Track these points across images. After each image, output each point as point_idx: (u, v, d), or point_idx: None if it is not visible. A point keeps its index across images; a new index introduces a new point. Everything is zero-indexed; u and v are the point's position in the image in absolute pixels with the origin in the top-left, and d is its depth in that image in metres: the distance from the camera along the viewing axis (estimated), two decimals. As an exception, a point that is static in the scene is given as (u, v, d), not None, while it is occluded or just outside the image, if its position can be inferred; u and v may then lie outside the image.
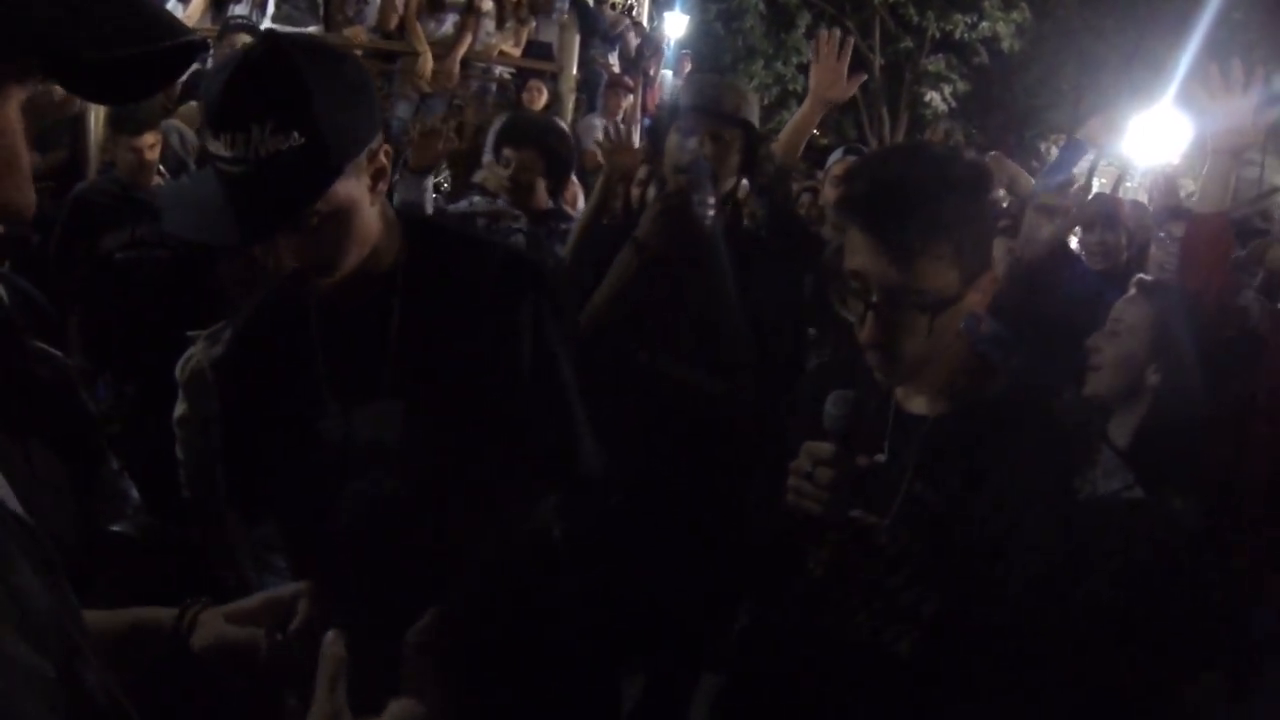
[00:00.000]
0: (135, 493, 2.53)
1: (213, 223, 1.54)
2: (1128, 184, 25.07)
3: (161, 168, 4.55)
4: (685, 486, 2.62)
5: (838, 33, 3.03)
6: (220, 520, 2.64)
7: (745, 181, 2.99)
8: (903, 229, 1.56)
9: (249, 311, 2.02)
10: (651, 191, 3.03)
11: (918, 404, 1.78)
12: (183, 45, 0.71)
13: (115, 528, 1.12)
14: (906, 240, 1.57)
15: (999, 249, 3.32)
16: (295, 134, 1.51)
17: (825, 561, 1.68)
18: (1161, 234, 4.36)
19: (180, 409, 2.80)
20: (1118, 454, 2.46)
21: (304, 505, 1.86)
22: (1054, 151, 24.61)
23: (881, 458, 1.73)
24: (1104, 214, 4.72)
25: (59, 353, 2.21)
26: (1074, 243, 6.78)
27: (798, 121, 3.16)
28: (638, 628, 2.72)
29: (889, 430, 1.77)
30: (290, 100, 1.51)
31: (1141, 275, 2.74)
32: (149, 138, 4.32)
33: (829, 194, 4.50)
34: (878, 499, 1.72)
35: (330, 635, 1.03)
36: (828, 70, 2.92)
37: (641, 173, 3.85)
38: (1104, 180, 26.00)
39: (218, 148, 1.52)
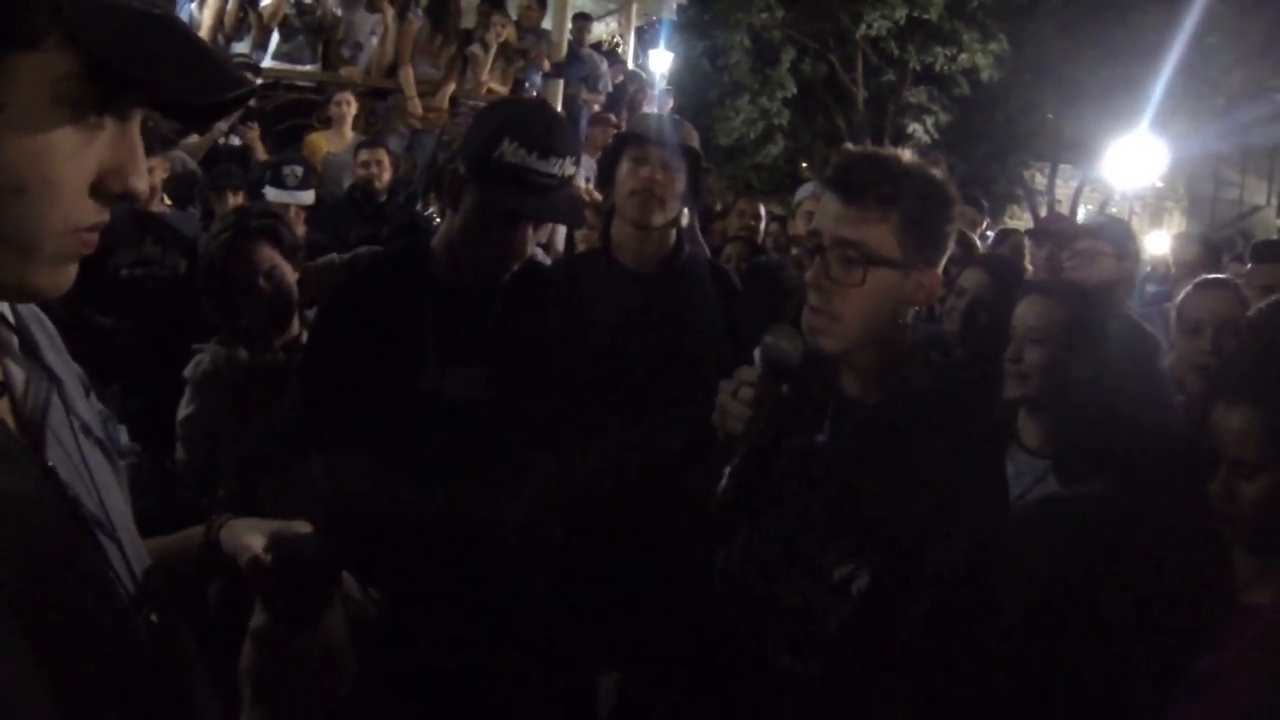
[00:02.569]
0: (125, 438, 2.69)
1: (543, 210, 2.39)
2: (1112, 208, 25.15)
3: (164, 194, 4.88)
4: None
5: None
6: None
7: (686, 210, 3.16)
8: (861, 190, 1.80)
9: (367, 266, 2.70)
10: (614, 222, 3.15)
11: (856, 389, 1.91)
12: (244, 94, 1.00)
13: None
14: (861, 199, 1.80)
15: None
16: (576, 169, 2.38)
17: (729, 490, 1.81)
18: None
19: (186, 410, 2.93)
20: (1027, 452, 2.57)
21: (384, 440, 2.36)
22: (1039, 179, 24.83)
23: (822, 437, 1.90)
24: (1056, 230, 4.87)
25: None
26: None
27: None
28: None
29: (830, 412, 1.92)
30: (579, 144, 2.32)
31: (1030, 279, 2.80)
32: (153, 162, 4.58)
33: (797, 225, 4.59)
34: (817, 477, 1.88)
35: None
36: None
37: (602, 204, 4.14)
38: (1090, 206, 25.96)
39: (543, 165, 2.27)
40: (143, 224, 4.47)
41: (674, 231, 3.03)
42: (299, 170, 5.21)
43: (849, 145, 1.97)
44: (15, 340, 1.04)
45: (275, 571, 1.12)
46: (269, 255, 2.93)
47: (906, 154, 1.86)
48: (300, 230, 5.11)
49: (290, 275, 2.97)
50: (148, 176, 1.00)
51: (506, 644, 2.50)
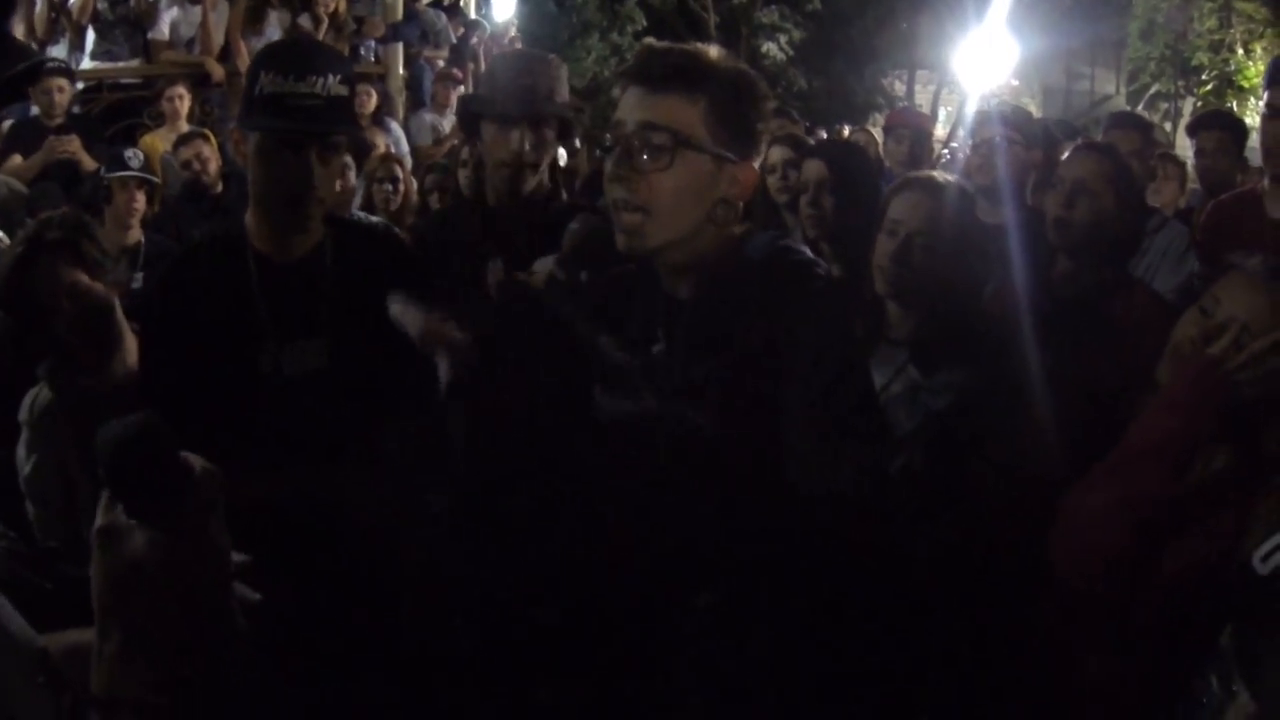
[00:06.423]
0: None
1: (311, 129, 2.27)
2: (971, 107, 25.67)
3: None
4: None
5: None
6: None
7: (562, 150, 3.02)
8: (666, 77, 1.74)
9: (179, 259, 2.60)
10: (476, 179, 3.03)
11: (682, 289, 1.84)
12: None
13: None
14: (665, 86, 1.74)
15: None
16: (346, 88, 2.31)
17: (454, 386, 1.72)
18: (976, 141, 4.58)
19: (29, 465, 2.64)
20: (889, 342, 2.58)
21: (232, 430, 2.22)
22: (898, 86, 25.13)
23: (659, 346, 1.83)
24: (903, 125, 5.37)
25: None
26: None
27: None
28: None
29: (662, 320, 1.85)
30: (345, 64, 2.37)
31: (913, 173, 2.83)
32: None
33: None
34: (664, 384, 1.79)
35: None
36: None
37: (463, 154, 4.18)
38: (949, 108, 26.49)
39: (302, 87, 2.23)
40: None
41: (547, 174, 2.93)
42: (140, 153, 5.08)
43: (651, 40, 1.91)
44: None
45: (104, 452, 0.97)
46: (68, 273, 2.65)
47: (714, 49, 1.81)
48: (139, 207, 4.85)
49: (100, 291, 2.69)
50: None
51: (389, 636, 2.35)
